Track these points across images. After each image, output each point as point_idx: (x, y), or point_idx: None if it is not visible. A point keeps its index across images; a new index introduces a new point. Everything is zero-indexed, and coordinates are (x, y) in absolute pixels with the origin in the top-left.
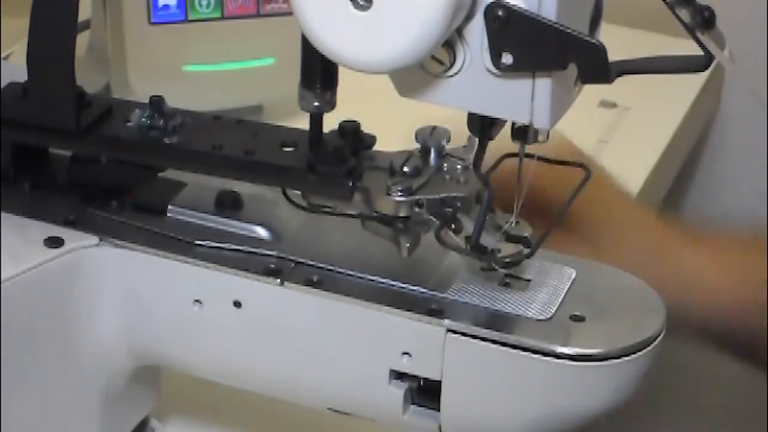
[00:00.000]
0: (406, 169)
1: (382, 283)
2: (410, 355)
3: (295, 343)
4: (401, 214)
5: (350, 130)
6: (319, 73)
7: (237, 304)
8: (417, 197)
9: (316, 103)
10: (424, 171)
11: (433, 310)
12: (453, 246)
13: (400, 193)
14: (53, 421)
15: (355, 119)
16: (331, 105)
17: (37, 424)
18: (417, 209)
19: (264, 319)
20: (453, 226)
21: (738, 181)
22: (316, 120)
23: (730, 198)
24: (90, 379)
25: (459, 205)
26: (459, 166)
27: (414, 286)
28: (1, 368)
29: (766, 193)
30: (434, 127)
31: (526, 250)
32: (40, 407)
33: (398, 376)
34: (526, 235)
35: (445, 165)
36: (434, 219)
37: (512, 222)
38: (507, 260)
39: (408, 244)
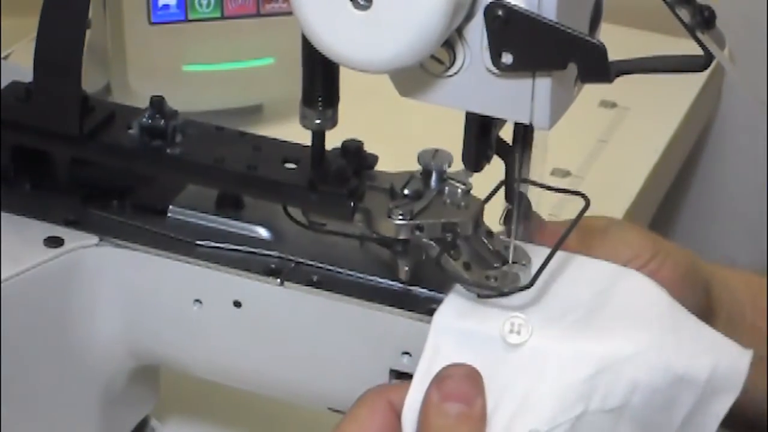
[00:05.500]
0: (406, 191)
1: (382, 283)
2: (410, 355)
3: (295, 343)
4: (401, 237)
5: (353, 150)
6: (320, 90)
7: (237, 304)
8: (417, 222)
9: (318, 121)
10: (425, 194)
11: (433, 309)
12: (452, 272)
13: (401, 217)
14: (53, 420)
15: (359, 139)
16: (333, 122)
17: (36, 424)
18: (417, 233)
19: (264, 319)
20: (452, 252)
21: (738, 182)
22: (318, 138)
23: (730, 198)
24: (90, 379)
25: (459, 230)
26: (459, 190)
27: (414, 286)
28: (1, 368)
29: (766, 193)
30: (437, 150)
31: (525, 277)
32: (39, 407)
33: (398, 376)
34: (524, 262)
35: (446, 188)
36: (433, 244)
37: (509, 247)
38: (504, 290)
39: (406, 268)
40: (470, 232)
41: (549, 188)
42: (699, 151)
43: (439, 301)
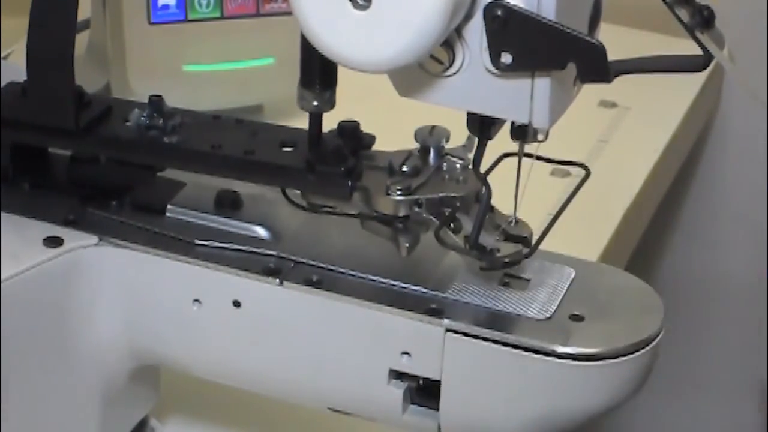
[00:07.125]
0: (405, 168)
1: (383, 283)
2: (410, 355)
3: (295, 343)
4: (400, 214)
5: (349, 130)
6: (318, 72)
7: (236, 304)
8: (416, 197)
9: (315, 103)
10: (423, 170)
11: (433, 309)
12: (452, 245)
13: (399, 193)
14: (53, 420)
15: (355, 119)
16: (331, 104)
17: (36, 424)
18: (416, 209)
19: (263, 319)
20: (452, 225)
21: (738, 181)
22: (316, 119)
23: (730, 198)
24: (90, 379)
25: (458, 204)
26: (458, 166)
27: (414, 286)
28: (0, 368)
29: (766, 193)
30: (433, 127)
31: (526, 250)
32: (39, 407)
33: (398, 375)
34: (525, 234)
35: (444, 164)
36: (433, 219)
37: (512, 221)
38: (506, 260)
39: (407, 244)
40: (470, 206)
41: (548, 160)
42: (699, 151)
43: (439, 301)
